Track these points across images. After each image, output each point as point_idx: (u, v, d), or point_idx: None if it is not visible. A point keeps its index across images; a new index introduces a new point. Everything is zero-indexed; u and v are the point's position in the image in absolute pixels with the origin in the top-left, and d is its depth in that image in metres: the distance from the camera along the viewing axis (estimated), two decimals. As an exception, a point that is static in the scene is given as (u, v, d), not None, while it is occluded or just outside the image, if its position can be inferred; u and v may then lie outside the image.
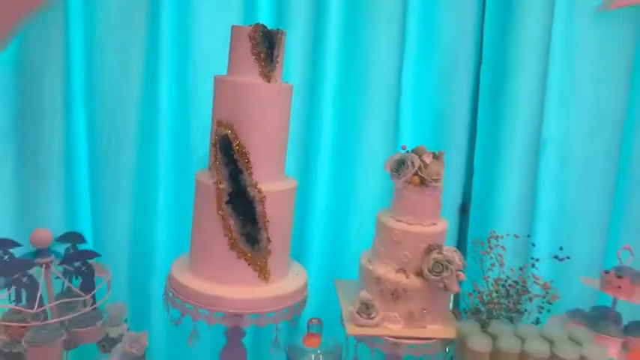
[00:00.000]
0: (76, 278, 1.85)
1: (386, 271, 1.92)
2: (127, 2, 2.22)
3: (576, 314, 2.10)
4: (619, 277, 2.00)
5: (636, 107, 2.31)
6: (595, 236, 2.36)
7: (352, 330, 1.88)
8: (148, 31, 2.23)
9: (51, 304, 1.75)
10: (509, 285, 2.05)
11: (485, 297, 2.04)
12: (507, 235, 2.08)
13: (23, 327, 1.76)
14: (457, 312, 2.13)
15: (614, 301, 2.07)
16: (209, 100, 2.01)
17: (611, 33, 2.25)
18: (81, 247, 1.95)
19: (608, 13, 2.25)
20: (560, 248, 2.09)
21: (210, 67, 2.15)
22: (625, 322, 2.08)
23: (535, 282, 2.05)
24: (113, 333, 1.99)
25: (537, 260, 2.08)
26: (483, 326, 1.90)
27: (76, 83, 2.25)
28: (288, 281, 1.97)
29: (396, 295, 1.90)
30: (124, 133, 2.28)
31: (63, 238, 1.92)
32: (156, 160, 2.28)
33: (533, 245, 2.17)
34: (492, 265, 2.05)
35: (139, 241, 2.32)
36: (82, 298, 1.77)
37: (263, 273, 1.87)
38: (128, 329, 2.02)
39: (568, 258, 2.07)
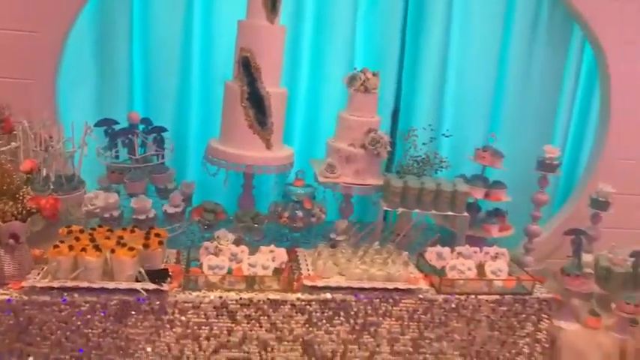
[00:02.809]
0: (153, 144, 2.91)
1: (343, 145, 3.04)
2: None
3: (460, 177, 3.23)
4: (484, 150, 3.18)
5: (507, 44, 3.49)
6: (479, 129, 3.55)
7: (322, 179, 3.01)
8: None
9: (139, 156, 2.83)
10: (419, 159, 3.23)
11: (403, 167, 3.22)
12: (420, 128, 3.25)
13: (122, 173, 2.85)
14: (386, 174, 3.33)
15: (483, 169, 3.23)
16: (227, 37, 3.04)
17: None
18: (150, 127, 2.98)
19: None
20: (447, 129, 3.31)
21: (228, 13, 3.15)
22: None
23: (435, 157, 3.24)
24: (169, 186, 3.00)
25: (435, 139, 3.27)
26: (400, 178, 3.10)
27: (137, 23, 3.19)
28: (283, 151, 3.06)
29: (348, 160, 3.03)
30: (169, 57, 3.24)
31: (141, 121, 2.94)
32: (190, 76, 3.28)
33: (432, 130, 3.30)
34: (409, 147, 3.21)
35: (180, 129, 3.33)
36: (159, 153, 2.86)
37: (268, 144, 2.93)
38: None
39: (451, 135, 3.28)
